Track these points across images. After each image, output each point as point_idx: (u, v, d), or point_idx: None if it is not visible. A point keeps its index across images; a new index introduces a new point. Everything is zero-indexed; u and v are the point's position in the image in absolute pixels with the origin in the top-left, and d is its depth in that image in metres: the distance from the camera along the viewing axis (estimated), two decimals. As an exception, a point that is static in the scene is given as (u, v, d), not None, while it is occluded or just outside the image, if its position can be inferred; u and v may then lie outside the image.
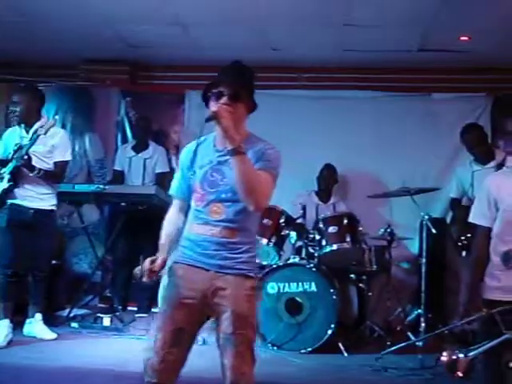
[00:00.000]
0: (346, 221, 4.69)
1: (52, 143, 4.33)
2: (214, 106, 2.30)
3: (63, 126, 5.89)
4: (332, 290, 4.41)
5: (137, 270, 2.40)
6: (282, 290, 4.47)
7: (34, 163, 4.16)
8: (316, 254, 4.70)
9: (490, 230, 2.83)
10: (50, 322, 4.50)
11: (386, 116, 5.84)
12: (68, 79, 6.26)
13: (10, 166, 4.20)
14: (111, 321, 4.78)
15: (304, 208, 4.91)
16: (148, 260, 2.35)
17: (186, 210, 2.49)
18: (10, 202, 4.26)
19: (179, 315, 2.30)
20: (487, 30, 4.74)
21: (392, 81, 5.95)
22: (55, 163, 4.36)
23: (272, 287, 4.49)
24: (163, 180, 5.51)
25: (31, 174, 4.18)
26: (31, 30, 5.16)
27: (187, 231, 2.41)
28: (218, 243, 2.32)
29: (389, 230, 4.90)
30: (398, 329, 4.86)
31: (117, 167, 5.84)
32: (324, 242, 4.66)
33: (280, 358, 4.17)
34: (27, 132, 4.33)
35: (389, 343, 4.41)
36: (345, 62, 5.76)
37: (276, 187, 6.21)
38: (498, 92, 5.82)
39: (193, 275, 2.33)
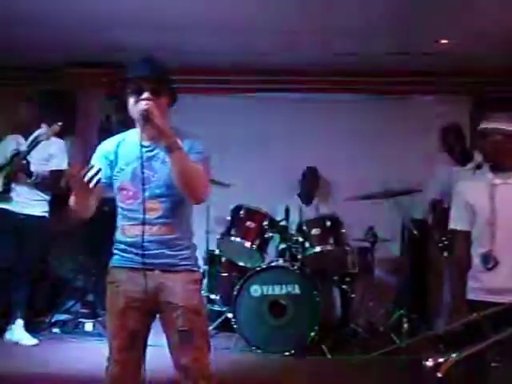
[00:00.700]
0: (328, 223, 4.71)
1: (50, 151, 4.32)
2: (142, 105, 2.24)
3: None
4: (315, 292, 4.42)
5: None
6: (265, 293, 4.47)
7: (32, 169, 4.14)
8: (299, 257, 4.71)
9: (469, 233, 2.88)
10: (31, 327, 4.46)
11: (367, 118, 5.88)
12: (50, 82, 6.20)
13: (6, 170, 4.16)
14: (93, 326, 4.74)
15: (287, 210, 4.92)
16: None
17: (98, 197, 2.36)
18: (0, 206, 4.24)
19: (130, 320, 2.29)
20: (465, 33, 4.79)
21: (372, 83, 5.99)
22: (51, 172, 4.33)
23: (255, 290, 4.49)
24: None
25: (29, 180, 4.15)
26: (13, 33, 5.11)
27: (120, 234, 2.36)
28: (159, 241, 2.29)
29: (371, 231, 4.94)
30: (381, 330, 4.89)
31: None
32: (307, 244, 4.68)
33: (263, 361, 4.17)
34: (26, 139, 4.30)
35: (372, 345, 4.44)
36: (325, 65, 5.78)
37: (260, 189, 6.22)
38: (477, 94, 5.89)
39: (137, 278, 2.29)
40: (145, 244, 2.27)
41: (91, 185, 2.17)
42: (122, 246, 2.34)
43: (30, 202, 4.28)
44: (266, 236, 4.77)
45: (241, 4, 4.36)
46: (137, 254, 2.29)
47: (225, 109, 5.78)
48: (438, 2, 4.19)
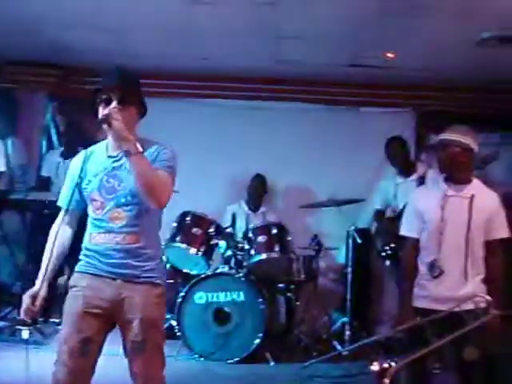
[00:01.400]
0: (274, 230, 4.73)
1: None
2: (103, 110, 2.30)
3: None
4: (260, 300, 4.42)
5: (60, 281, 2.38)
6: (210, 300, 4.45)
7: None
8: (245, 264, 4.70)
9: (418, 241, 2.95)
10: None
11: (316, 128, 5.94)
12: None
13: None
14: (30, 333, 4.57)
15: (233, 217, 4.92)
16: (27, 296, 2.36)
17: (72, 223, 2.48)
18: None
19: (85, 325, 2.29)
20: (412, 48, 4.92)
21: (323, 94, 6.06)
22: None
23: (200, 297, 4.46)
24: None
25: None
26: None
27: (88, 241, 2.39)
28: (124, 250, 2.32)
29: (316, 239, 4.99)
30: (324, 337, 4.94)
31: (44, 173, 5.64)
32: (253, 252, 4.67)
33: (206, 369, 4.13)
34: None
35: (315, 352, 4.47)
36: (277, 73, 5.82)
37: (207, 196, 6.16)
38: (422, 108, 6.06)
39: (99, 285, 2.32)
40: (109, 252, 2.32)
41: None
42: (88, 253, 2.37)
43: None
44: (211, 243, 4.75)
45: (190, 8, 4.34)
46: (101, 262, 2.33)
47: (173, 114, 5.72)
48: (385, 17, 4.29)
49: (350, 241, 4.75)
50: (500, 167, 5.18)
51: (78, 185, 2.41)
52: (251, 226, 4.92)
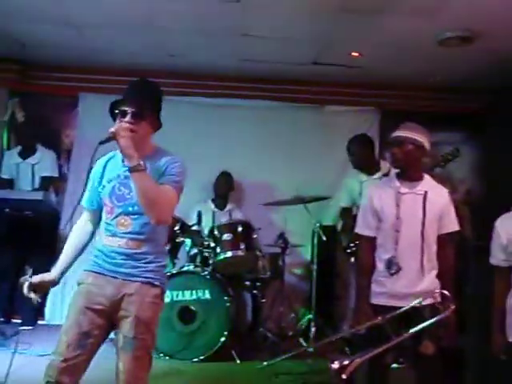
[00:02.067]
0: (240, 228, 4.72)
1: None
2: (112, 127, 2.37)
3: None
4: (226, 298, 4.41)
5: (23, 280, 2.46)
6: (175, 299, 4.42)
7: None
8: (210, 262, 4.69)
9: (374, 239, 2.97)
10: None
11: (282, 126, 5.97)
12: None
13: None
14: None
15: (199, 215, 4.89)
16: (38, 277, 2.47)
17: (94, 221, 2.59)
18: None
19: (86, 320, 2.38)
20: (376, 47, 4.98)
21: (288, 92, 6.09)
22: None
23: (165, 295, 4.41)
24: (49, 184, 5.28)
25: None
26: None
27: (99, 242, 2.51)
28: (125, 254, 2.43)
29: (282, 237, 5.00)
30: (290, 334, 4.96)
31: (4, 175, 5.51)
32: (219, 250, 4.66)
33: (171, 368, 4.10)
34: None
35: (281, 350, 4.48)
36: (242, 71, 5.82)
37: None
38: (386, 107, 6.13)
39: (102, 283, 2.43)
40: (112, 254, 2.43)
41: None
42: (95, 253, 2.49)
43: None
44: (177, 241, 4.72)
45: (153, 3, 4.30)
46: (105, 262, 2.44)
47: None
48: (348, 14, 4.32)
49: (316, 238, 4.78)
50: (462, 165, 5.28)
51: (97, 187, 2.54)
52: (217, 223, 4.91)
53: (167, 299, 4.40)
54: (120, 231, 2.42)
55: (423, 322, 2.43)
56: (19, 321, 5.13)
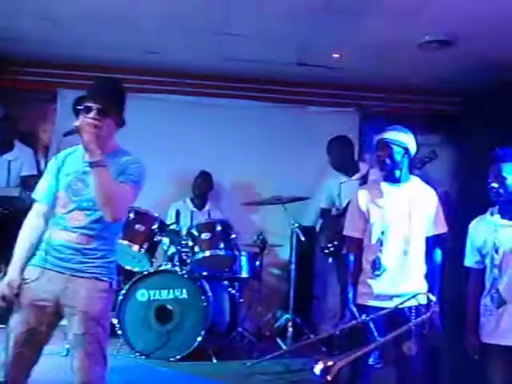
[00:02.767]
0: (219, 228, 4.71)
1: None
2: (78, 121, 2.39)
3: None
4: (203, 297, 4.40)
5: None
6: (152, 298, 4.39)
7: None
8: (188, 261, 4.67)
9: (361, 240, 2.99)
10: None
11: (262, 126, 5.96)
12: None
13: None
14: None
15: (178, 214, 4.86)
16: (5, 285, 2.39)
17: (47, 215, 2.53)
18: None
19: (32, 316, 2.37)
20: (357, 49, 5.00)
21: (270, 92, 6.09)
22: None
23: (142, 294, 4.39)
24: (29, 183, 5.19)
25: None
26: None
27: (47, 236, 2.47)
28: (74, 248, 2.41)
29: (261, 237, 5.00)
30: (268, 334, 4.96)
31: None
32: (197, 249, 4.64)
33: (148, 368, 4.08)
34: None
35: (258, 350, 4.48)
36: (224, 70, 5.80)
37: (151, 192, 6.05)
38: (367, 108, 6.16)
39: (48, 278, 2.40)
40: (60, 248, 2.41)
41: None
42: (42, 247, 2.45)
43: None
44: (155, 240, 4.68)
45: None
46: (52, 256, 2.41)
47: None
48: (330, 15, 4.33)
49: (294, 238, 4.79)
50: (439, 167, 5.33)
51: (54, 181, 2.51)
52: (195, 222, 4.89)
53: (144, 298, 4.38)
54: (72, 226, 2.41)
55: (407, 322, 2.44)
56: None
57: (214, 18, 4.57)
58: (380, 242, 2.91)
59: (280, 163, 5.86)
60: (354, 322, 2.75)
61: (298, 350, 4.29)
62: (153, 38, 5.08)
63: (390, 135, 2.98)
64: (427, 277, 2.96)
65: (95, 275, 2.41)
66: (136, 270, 4.71)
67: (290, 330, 4.56)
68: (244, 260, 4.94)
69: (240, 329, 4.86)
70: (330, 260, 4.83)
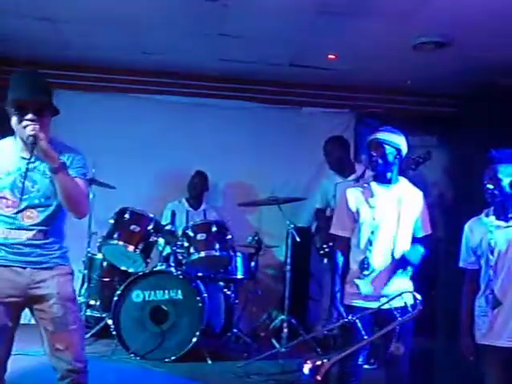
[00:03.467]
0: (214, 228, 4.70)
1: None
2: (29, 129, 2.33)
3: None
4: (198, 298, 4.39)
5: None
6: (147, 298, 4.39)
7: None
8: (184, 262, 4.66)
9: (348, 239, 2.99)
10: None
11: (258, 127, 5.95)
12: None
13: None
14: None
15: (173, 214, 4.86)
16: None
17: None
18: None
19: (1, 314, 2.42)
20: (352, 49, 5.01)
21: (265, 93, 6.08)
22: None
23: (137, 295, 4.39)
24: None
25: None
26: None
27: (3, 236, 2.47)
28: (33, 245, 2.47)
29: (256, 237, 5.00)
30: (263, 335, 4.96)
31: None
32: (192, 250, 4.64)
33: (143, 368, 4.07)
34: None
35: (253, 350, 4.48)
36: (219, 71, 5.79)
37: (146, 193, 6.03)
38: (362, 109, 6.17)
39: (10, 275, 2.45)
40: (19, 246, 2.45)
41: None
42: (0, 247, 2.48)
43: None
44: (150, 240, 4.68)
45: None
46: (10, 254, 2.45)
47: (114, 109, 5.61)
48: (324, 16, 4.33)
49: (290, 239, 4.79)
50: (434, 169, 5.34)
51: None
52: (191, 223, 4.88)
53: (139, 299, 4.38)
54: (27, 224, 2.45)
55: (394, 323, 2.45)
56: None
57: (208, 20, 4.57)
58: (369, 242, 2.91)
59: (276, 164, 5.86)
60: (340, 321, 2.76)
61: (293, 351, 4.29)
62: (149, 39, 5.07)
63: (384, 135, 2.99)
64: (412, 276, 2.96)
65: (57, 262, 2.51)
66: (131, 270, 4.71)
67: (285, 330, 4.56)
68: (239, 261, 4.93)
69: (235, 330, 4.86)
70: (326, 261, 4.84)
